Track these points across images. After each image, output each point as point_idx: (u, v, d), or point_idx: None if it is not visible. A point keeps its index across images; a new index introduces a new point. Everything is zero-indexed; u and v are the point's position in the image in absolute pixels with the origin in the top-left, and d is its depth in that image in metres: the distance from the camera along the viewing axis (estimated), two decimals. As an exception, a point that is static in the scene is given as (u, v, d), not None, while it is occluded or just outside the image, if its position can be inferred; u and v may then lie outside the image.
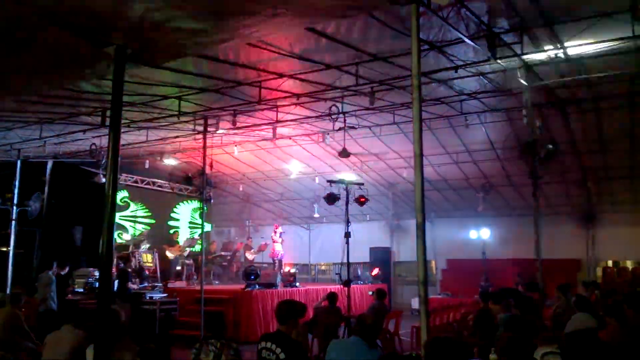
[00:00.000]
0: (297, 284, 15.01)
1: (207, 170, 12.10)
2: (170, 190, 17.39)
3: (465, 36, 7.26)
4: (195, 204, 20.58)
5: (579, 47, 8.17)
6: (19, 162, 14.29)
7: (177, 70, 8.50)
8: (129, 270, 12.34)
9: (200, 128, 11.98)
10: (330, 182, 10.83)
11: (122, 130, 3.72)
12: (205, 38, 3.82)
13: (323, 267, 22.96)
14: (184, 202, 20.36)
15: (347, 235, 9.86)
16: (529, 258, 11.17)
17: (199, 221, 20.41)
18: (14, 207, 13.59)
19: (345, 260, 9.88)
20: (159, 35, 3.70)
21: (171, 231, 19.17)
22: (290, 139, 14.54)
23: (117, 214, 15.53)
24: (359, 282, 17.12)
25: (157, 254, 17.31)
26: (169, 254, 17.23)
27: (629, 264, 17.74)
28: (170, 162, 15.86)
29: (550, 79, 9.65)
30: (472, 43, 7.48)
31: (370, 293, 13.60)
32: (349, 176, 14.46)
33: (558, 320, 8.06)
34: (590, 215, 17.55)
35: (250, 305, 12.45)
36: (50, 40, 3.87)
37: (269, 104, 10.68)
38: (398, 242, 20.56)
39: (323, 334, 9.17)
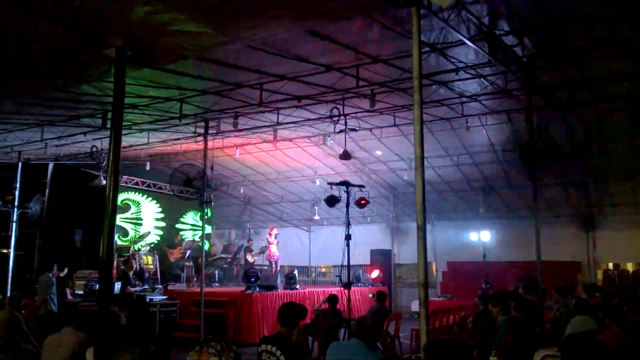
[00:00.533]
0: (297, 286, 15.01)
1: (208, 172, 12.09)
2: (172, 193, 17.36)
3: (466, 38, 7.27)
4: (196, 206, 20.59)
5: (579, 48, 8.19)
6: (19, 164, 14.30)
7: (178, 73, 8.51)
8: (130, 272, 12.32)
9: (201, 130, 11.99)
10: (331, 184, 10.83)
11: (123, 133, 3.72)
12: (206, 40, 3.82)
13: (323, 270, 22.95)
14: (193, 210, 20.42)
15: (348, 237, 9.86)
16: (529, 260, 11.20)
17: (197, 222, 20.50)
18: (15, 209, 13.59)
19: (345, 263, 9.87)
20: (160, 37, 3.70)
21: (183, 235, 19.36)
22: (291, 141, 14.54)
23: (118, 216, 15.57)
24: (359, 284, 17.10)
25: (157, 256, 17.34)
26: (170, 256, 17.26)
27: (630, 267, 17.73)
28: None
29: (550, 80, 9.67)
30: (473, 45, 7.49)
31: (371, 295, 13.61)
32: (350, 178, 14.43)
33: (557, 323, 8.05)
34: (591, 217, 17.54)
35: (251, 308, 12.45)
36: (51, 42, 3.87)
37: (269, 106, 10.69)
38: (398, 244, 20.55)
39: (323, 336, 9.16)
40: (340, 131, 12.04)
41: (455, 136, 13.53)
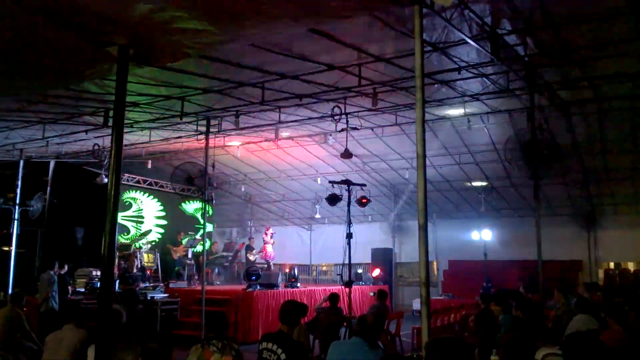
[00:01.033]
0: (299, 284, 15.02)
1: (210, 170, 12.10)
2: (173, 191, 17.41)
3: (468, 37, 7.26)
4: (198, 204, 20.61)
5: (581, 48, 8.18)
6: (21, 162, 14.32)
7: (180, 71, 8.51)
8: (132, 271, 12.35)
9: (203, 128, 11.99)
10: (333, 183, 10.83)
11: (124, 131, 3.73)
12: (208, 39, 3.82)
13: (324, 268, 22.97)
14: (187, 202, 20.43)
15: (349, 236, 9.86)
16: (530, 259, 11.18)
17: (201, 221, 20.50)
18: (16, 207, 13.62)
19: (346, 261, 9.87)
20: (162, 35, 3.70)
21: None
22: (292, 139, 14.54)
23: (119, 214, 15.60)
24: (360, 283, 17.11)
25: (158, 254, 17.37)
26: (174, 254, 17.30)
27: (631, 266, 17.71)
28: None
29: (553, 80, 9.66)
30: (475, 44, 7.48)
31: (372, 294, 13.61)
32: (351, 177, 14.43)
33: (559, 322, 8.05)
34: (592, 216, 17.54)
35: (252, 306, 12.46)
36: (53, 40, 3.87)
37: (271, 105, 10.69)
38: (400, 243, 20.54)
39: (324, 334, 9.17)
40: (342, 130, 12.03)
41: (457, 135, 13.52)
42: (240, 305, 12.50)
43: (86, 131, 12.09)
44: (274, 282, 13.87)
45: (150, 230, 18.56)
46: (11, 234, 13.64)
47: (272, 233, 18.57)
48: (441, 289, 19.17)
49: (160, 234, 19.31)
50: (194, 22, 3.53)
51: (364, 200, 12.70)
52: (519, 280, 15.27)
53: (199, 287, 12.22)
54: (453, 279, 19.40)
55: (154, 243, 18.06)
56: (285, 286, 14.39)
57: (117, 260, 14.59)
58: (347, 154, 12.85)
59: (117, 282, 11.98)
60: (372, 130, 13.21)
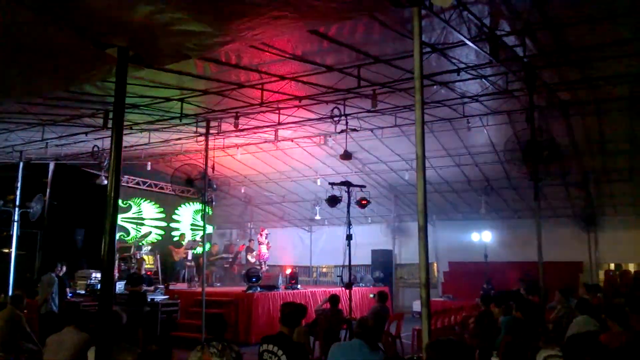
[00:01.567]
0: (299, 286, 15.02)
1: (209, 172, 12.11)
2: (173, 193, 17.42)
3: (467, 39, 7.27)
4: (197, 206, 20.61)
5: (580, 49, 8.19)
6: (21, 164, 14.32)
7: (180, 72, 8.52)
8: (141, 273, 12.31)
9: (203, 130, 12.00)
10: (332, 184, 10.84)
11: (124, 132, 3.73)
12: (207, 40, 3.82)
13: (324, 270, 22.97)
14: (186, 203, 20.42)
15: (349, 237, 9.86)
16: (530, 261, 11.17)
17: (201, 223, 20.47)
18: (16, 209, 13.60)
19: (346, 263, 9.87)
20: (162, 37, 3.70)
21: (177, 235, 19.34)
22: (292, 141, 14.55)
23: (119, 216, 15.62)
24: (360, 284, 17.11)
25: (158, 255, 17.37)
26: (175, 256, 17.30)
27: (631, 267, 17.70)
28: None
29: (552, 81, 9.67)
30: (474, 46, 7.48)
31: (372, 296, 13.61)
32: (351, 178, 14.44)
33: (560, 324, 8.06)
34: (592, 217, 17.52)
35: (252, 308, 12.45)
36: (52, 41, 3.87)
37: (271, 106, 10.70)
38: (400, 245, 20.54)
39: (325, 336, 9.17)
40: (342, 131, 12.04)
41: (457, 136, 13.52)
42: (241, 307, 12.50)
43: (86, 133, 12.09)
44: (274, 284, 13.87)
45: (150, 232, 18.56)
46: (11, 236, 13.63)
47: (266, 234, 18.56)
48: (441, 290, 19.16)
49: (160, 235, 19.31)
50: (194, 23, 3.53)
51: (363, 202, 12.70)
52: (519, 282, 15.25)
53: (199, 289, 12.22)
54: (453, 281, 19.39)
55: (154, 241, 18.08)
56: (286, 288, 14.38)
57: (117, 262, 14.59)
58: (346, 156, 12.86)
59: (124, 283, 11.96)
60: (372, 131, 13.21)
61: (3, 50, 4.08)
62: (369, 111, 10.89)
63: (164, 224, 19.70)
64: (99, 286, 11.55)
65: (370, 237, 19.22)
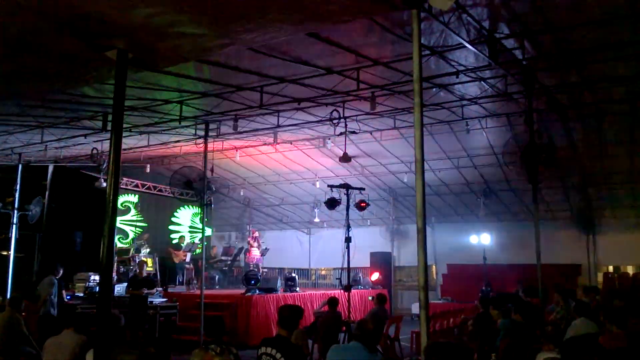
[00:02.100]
0: (298, 288, 15.01)
1: (208, 174, 12.10)
2: (171, 195, 17.40)
3: (466, 41, 7.27)
4: (196, 208, 20.59)
5: (579, 51, 8.20)
6: (20, 166, 14.31)
7: (179, 75, 8.52)
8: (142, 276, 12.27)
9: (201, 133, 12.00)
10: (331, 186, 10.84)
11: (123, 135, 3.73)
12: (207, 43, 3.83)
13: (323, 272, 22.97)
14: (185, 206, 20.39)
15: (348, 240, 9.86)
16: (529, 263, 11.19)
17: (200, 226, 20.45)
18: (15, 211, 13.59)
19: (345, 265, 9.87)
20: (161, 39, 3.71)
21: (176, 237, 19.29)
22: (291, 143, 14.55)
23: (118, 218, 15.61)
24: (359, 287, 17.10)
25: (157, 258, 17.32)
26: (175, 258, 17.27)
27: (630, 269, 17.72)
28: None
29: (551, 83, 9.68)
30: (473, 48, 7.49)
31: (371, 298, 13.60)
32: (350, 181, 14.45)
33: (558, 326, 8.05)
34: (591, 220, 17.55)
35: (251, 310, 12.44)
36: (51, 44, 3.88)
37: (270, 109, 10.70)
38: (398, 247, 20.55)
39: (323, 338, 9.16)
40: (341, 134, 12.05)
41: (456, 139, 13.54)
42: (239, 310, 12.48)
43: (85, 135, 12.09)
44: (272, 287, 13.86)
45: (149, 235, 18.50)
46: (10, 239, 13.61)
47: (256, 236, 18.53)
48: (440, 293, 19.16)
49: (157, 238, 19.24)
50: (193, 26, 3.54)
51: (362, 204, 12.70)
52: (517, 284, 15.25)
53: (198, 292, 12.20)
54: (452, 283, 19.39)
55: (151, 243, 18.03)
56: (284, 290, 14.37)
57: (115, 264, 14.57)
58: (345, 158, 12.86)
59: (126, 286, 11.94)
60: (371, 134, 13.22)
61: (2, 52, 4.08)
62: (368, 114, 10.90)
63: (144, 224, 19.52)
64: (97, 289, 11.54)
65: (369, 240, 19.22)
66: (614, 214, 17.34)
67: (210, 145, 12.25)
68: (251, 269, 16.83)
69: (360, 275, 18.20)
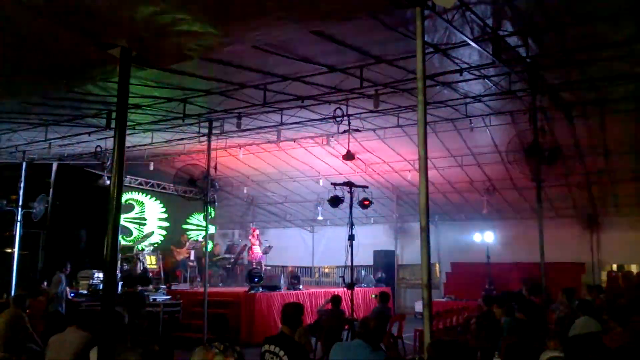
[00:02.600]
0: (301, 286, 15.02)
1: (212, 172, 12.12)
2: (176, 193, 17.43)
3: (469, 39, 7.26)
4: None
5: (583, 49, 8.18)
6: (24, 164, 14.35)
7: (182, 73, 8.53)
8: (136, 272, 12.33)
9: (205, 130, 12.01)
10: (335, 184, 10.83)
11: (127, 133, 3.74)
12: (210, 41, 3.83)
13: (327, 270, 22.98)
14: (198, 212, 20.37)
15: (351, 238, 9.86)
16: (533, 262, 11.17)
17: (203, 223, 20.49)
18: (19, 209, 13.64)
19: (349, 263, 9.87)
20: (164, 37, 3.71)
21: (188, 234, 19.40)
22: (294, 141, 14.55)
23: (122, 216, 15.63)
24: (362, 285, 17.10)
25: (160, 255, 17.37)
26: (177, 256, 17.30)
27: (634, 268, 17.68)
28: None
29: (555, 81, 9.65)
30: (476, 46, 7.48)
31: (374, 296, 13.60)
32: (353, 179, 14.44)
33: (562, 324, 8.04)
34: (595, 218, 17.52)
35: (254, 308, 12.45)
36: (56, 42, 3.89)
37: (273, 107, 10.70)
38: (402, 245, 20.52)
39: (326, 336, 9.16)
40: (344, 132, 12.04)
41: (459, 137, 13.51)
42: (243, 308, 12.50)
43: (89, 133, 12.12)
44: (276, 284, 13.87)
45: (153, 232, 18.57)
46: (14, 236, 13.66)
47: (257, 234, 18.55)
48: (443, 291, 19.14)
49: (163, 236, 19.32)
50: (197, 24, 3.54)
51: (366, 202, 12.69)
52: (521, 283, 15.23)
53: (201, 289, 12.23)
54: (455, 281, 19.36)
55: (156, 245, 18.08)
56: (288, 288, 14.39)
57: (120, 262, 14.60)
58: (349, 156, 12.85)
59: (121, 284, 11.96)
60: (374, 131, 13.21)
61: (7, 50, 4.09)
62: (371, 111, 10.89)
63: (166, 224, 19.70)
64: (101, 286, 11.58)
65: (372, 238, 19.22)
66: (618, 212, 17.29)
67: (213, 143, 12.27)
68: (254, 266, 16.86)
69: (363, 273, 18.24)
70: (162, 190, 18.76)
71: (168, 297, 12.91)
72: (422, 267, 4.29)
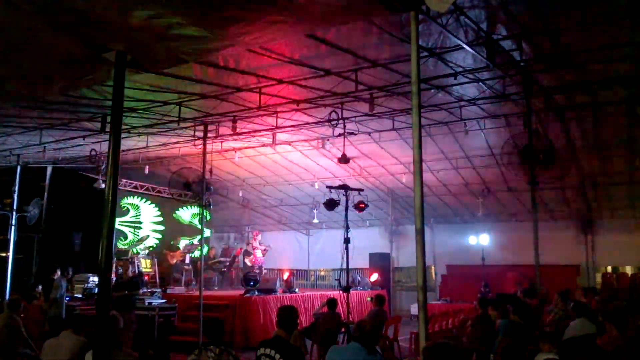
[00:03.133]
0: (297, 289, 15.00)
1: (207, 176, 12.11)
2: (171, 196, 17.42)
3: (464, 43, 7.29)
4: (195, 209, 20.60)
5: (577, 52, 8.22)
6: (18, 168, 14.30)
7: (177, 76, 8.52)
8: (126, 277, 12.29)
9: (200, 134, 12.00)
10: (330, 187, 10.84)
11: (122, 136, 3.74)
12: (205, 45, 3.83)
13: (322, 273, 22.95)
14: (184, 207, 20.39)
15: (347, 241, 9.87)
16: (528, 264, 11.20)
17: (199, 226, 20.46)
18: (13, 213, 13.59)
19: (344, 266, 9.88)
20: (159, 41, 3.71)
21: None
22: (290, 144, 14.56)
23: (117, 220, 15.59)
24: (358, 288, 17.10)
25: (156, 259, 17.32)
26: (171, 259, 17.25)
27: (628, 270, 17.74)
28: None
29: (548, 84, 9.69)
30: (471, 50, 7.51)
31: (370, 299, 13.61)
32: (349, 182, 14.45)
33: (557, 326, 8.06)
34: (589, 221, 17.57)
35: (250, 311, 12.44)
36: (50, 45, 3.88)
37: (268, 110, 10.70)
38: (397, 248, 20.53)
39: (322, 339, 9.16)
40: (339, 135, 12.05)
41: (454, 140, 13.54)
42: (238, 311, 12.48)
43: (84, 137, 12.09)
44: (271, 288, 13.86)
45: (148, 236, 18.53)
46: (8, 240, 13.61)
47: (259, 239, 18.55)
48: (439, 293, 19.16)
49: (158, 239, 19.28)
50: (192, 28, 3.54)
51: (361, 205, 12.71)
52: (516, 285, 15.27)
53: (197, 293, 12.20)
54: (451, 284, 19.37)
55: (151, 249, 18.03)
56: (283, 292, 14.37)
57: (114, 266, 14.56)
58: (344, 159, 12.87)
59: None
60: (369, 135, 13.23)
61: (1, 54, 4.09)
62: (366, 115, 10.90)
63: (162, 227, 19.66)
64: (96, 290, 11.54)
65: (368, 241, 19.22)
66: (612, 215, 17.36)
67: (209, 147, 12.25)
68: (254, 271, 16.86)
69: (359, 276, 18.21)
70: (157, 194, 18.73)
71: (163, 300, 12.87)
72: (417, 270, 4.29)
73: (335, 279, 16.86)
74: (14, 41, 3.85)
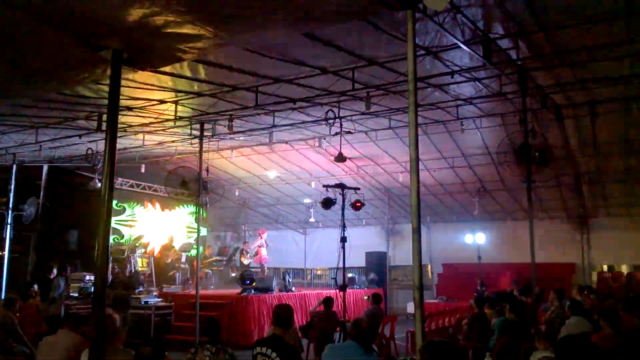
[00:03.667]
0: (293, 288, 15.00)
1: (203, 174, 12.09)
2: (167, 195, 17.36)
3: (460, 42, 7.29)
4: (191, 208, 20.56)
5: (573, 51, 8.23)
6: (14, 167, 14.27)
7: (174, 75, 8.51)
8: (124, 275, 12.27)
9: (197, 132, 11.98)
10: (327, 186, 10.84)
11: (118, 135, 3.73)
12: (202, 43, 3.83)
13: (319, 272, 22.97)
14: (181, 205, 20.35)
15: (343, 239, 9.87)
16: (524, 262, 11.21)
17: (195, 225, 20.42)
18: (9, 211, 13.56)
19: (341, 265, 9.88)
20: (156, 40, 3.70)
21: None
22: (286, 143, 14.55)
23: (113, 218, 15.56)
24: (354, 286, 17.11)
25: (152, 258, 17.29)
26: (166, 258, 17.22)
27: (624, 268, 17.80)
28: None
29: (545, 83, 9.71)
30: (467, 49, 7.51)
31: (366, 297, 13.62)
32: (345, 181, 14.46)
33: (553, 325, 8.09)
34: (585, 219, 17.63)
35: (246, 310, 12.43)
36: (46, 43, 3.87)
37: (265, 109, 10.70)
38: (394, 247, 20.56)
39: (319, 338, 9.17)
40: (336, 134, 12.05)
41: (451, 139, 13.57)
42: (235, 310, 12.47)
43: (80, 135, 12.05)
44: (268, 286, 13.85)
45: (144, 235, 18.47)
46: (4, 238, 13.58)
47: (265, 238, 18.56)
48: (435, 292, 19.19)
49: (154, 238, 19.21)
50: (188, 26, 3.54)
51: (358, 204, 12.71)
52: (513, 284, 15.30)
53: (193, 292, 12.19)
54: (447, 282, 19.41)
55: (147, 247, 17.98)
56: (280, 290, 14.37)
57: (111, 264, 14.53)
58: (341, 158, 12.87)
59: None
60: (366, 133, 13.23)
61: (-4, 52, 4.07)
62: (363, 114, 10.91)
63: (158, 226, 19.60)
64: (92, 289, 11.51)
65: (364, 240, 19.22)
66: (608, 213, 17.41)
67: (205, 146, 12.24)
68: (259, 269, 16.87)
69: (356, 275, 18.24)
70: (154, 193, 18.69)
71: (159, 299, 12.86)
72: (413, 269, 4.30)
73: (332, 278, 16.90)
74: (9, 39, 3.83)
